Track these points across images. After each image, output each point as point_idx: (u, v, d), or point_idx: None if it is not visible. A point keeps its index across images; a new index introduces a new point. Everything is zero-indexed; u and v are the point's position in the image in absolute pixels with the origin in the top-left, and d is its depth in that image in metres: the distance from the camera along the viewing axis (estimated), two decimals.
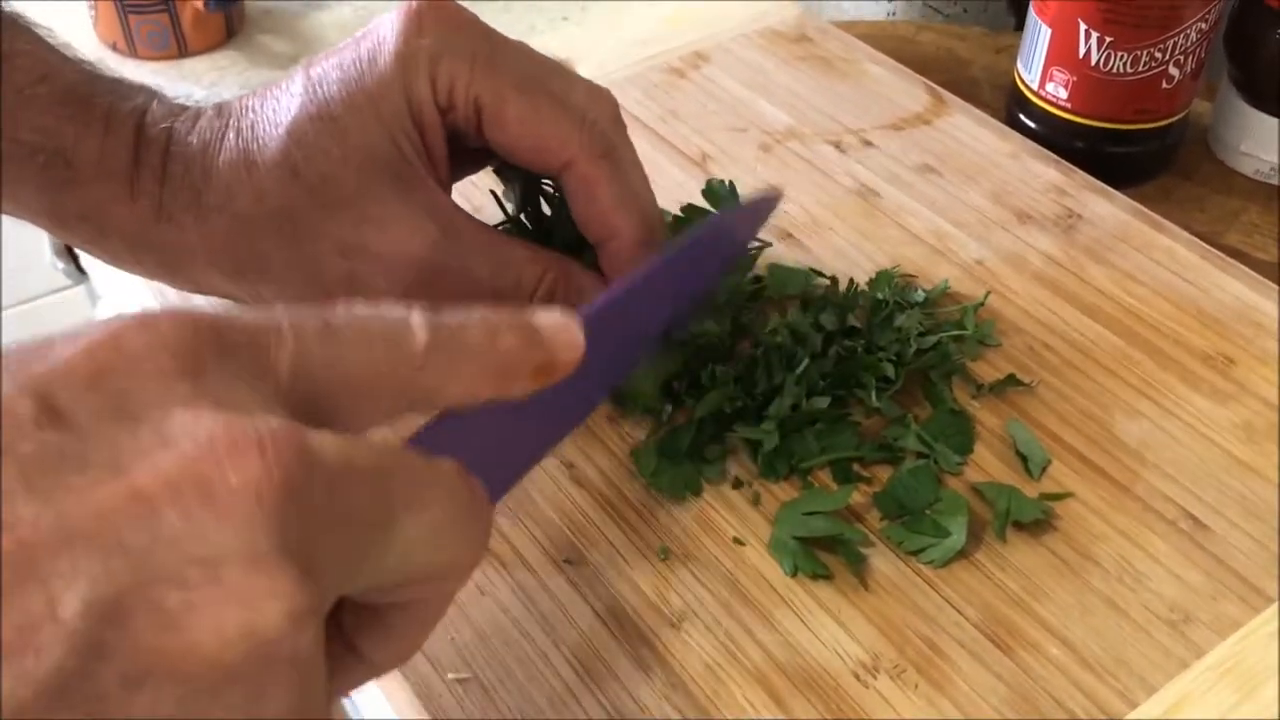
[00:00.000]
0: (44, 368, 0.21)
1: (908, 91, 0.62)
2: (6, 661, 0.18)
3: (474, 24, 0.40)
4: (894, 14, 0.84)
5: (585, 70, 0.63)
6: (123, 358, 0.21)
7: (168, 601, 0.19)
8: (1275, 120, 0.60)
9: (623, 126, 0.42)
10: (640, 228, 0.41)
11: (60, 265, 0.90)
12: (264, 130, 0.39)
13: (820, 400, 0.42)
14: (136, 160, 0.39)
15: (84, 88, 0.39)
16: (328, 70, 0.39)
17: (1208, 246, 0.52)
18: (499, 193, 0.48)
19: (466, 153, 0.42)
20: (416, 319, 0.26)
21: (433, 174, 0.40)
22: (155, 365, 0.21)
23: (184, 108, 0.41)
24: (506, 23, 0.85)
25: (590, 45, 0.65)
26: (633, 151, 0.42)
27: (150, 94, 0.41)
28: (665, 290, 0.39)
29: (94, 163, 0.39)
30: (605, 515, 0.40)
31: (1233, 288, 0.50)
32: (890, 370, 0.44)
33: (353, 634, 0.26)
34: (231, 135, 0.39)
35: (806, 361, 0.43)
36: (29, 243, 0.87)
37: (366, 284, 0.39)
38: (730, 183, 0.49)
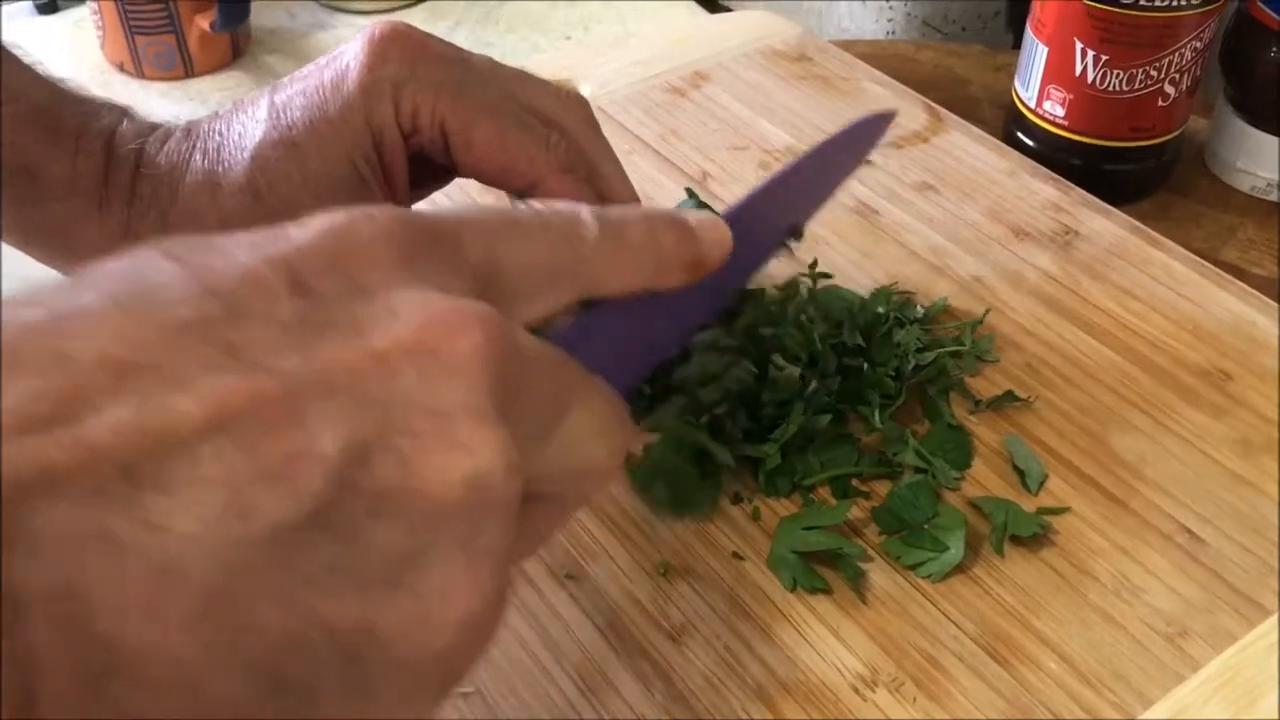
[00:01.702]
0: (287, 247, 0.23)
1: (906, 110, 0.62)
2: (276, 485, 0.20)
3: (437, 49, 0.41)
4: (893, 33, 0.84)
5: (587, 90, 0.64)
6: (353, 243, 0.24)
7: (405, 447, 0.21)
8: (1271, 137, 0.60)
9: (595, 129, 0.43)
10: None
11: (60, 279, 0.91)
12: (229, 154, 0.40)
13: (822, 418, 0.43)
14: (106, 180, 0.40)
15: (54, 107, 0.40)
16: (292, 96, 0.40)
17: (1204, 262, 0.53)
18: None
19: (430, 171, 0.43)
20: (586, 214, 0.29)
21: (389, 196, 0.41)
22: (381, 251, 0.24)
23: (153, 127, 0.41)
24: (511, 42, 0.86)
25: (593, 65, 0.66)
26: (607, 149, 0.44)
27: (119, 113, 0.42)
28: (784, 202, 0.42)
29: (64, 182, 0.40)
30: (606, 530, 0.41)
31: (1229, 303, 0.50)
32: (892, 386, 0.44)
33: None
34: (198, 157, 0.40)
35: (815, 383, 0.43)
36: None
37: None
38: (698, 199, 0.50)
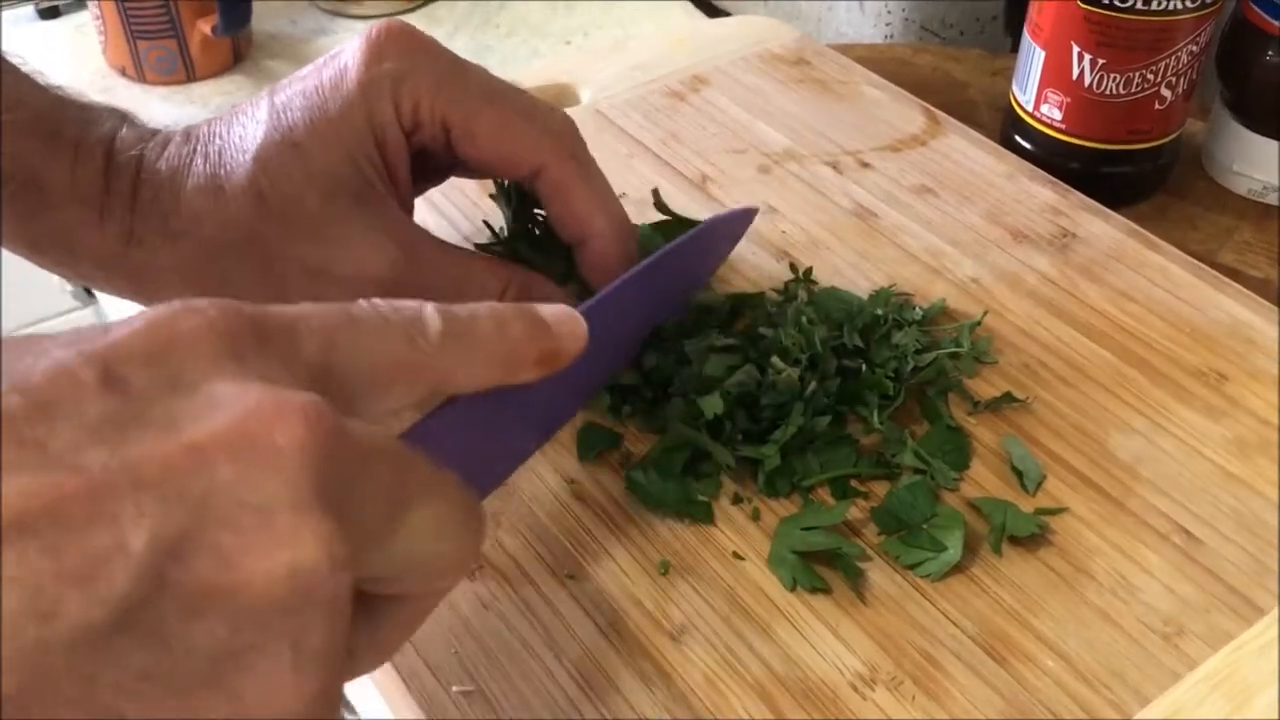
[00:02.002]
0: (103, 343, 0.23)
1: (904, 113, 0.63)
2: (81, 587, 0.19)
3: (434, 46, 0.41)
4: (891, 37, 0.85)
5: (587, 94, 0.64)
6: (175, 337, 0.23)
7: (223, 541, 0.21)
8: (1268, 140, 0.61)
9: (584, 143, 0.44)
10: (615, 226, 0.43)
11: (69, 288, 0.91)
12: (230, 156, 0.40)
13: (822, 420, 0.43)
14: (107, 187, 0.40)
15: (53, 115, 0.40)
16: (292, 97, 0.40)
17: (1201, 265, 0.53)
18: (489, 224, 0.50)
19: (427, 168, 0.44)
20: (430, 310, 0.28)
21: (394, 194, 0.41)
22: (204, 345, 0.23)
23: (153, 132, 0.42)
24: (511, 47, 0.87)
25: (592, 69, 0.66)
26: (596, 166, 0.44)
27: (118, 119, 0.42)
28: (652, 293, 0.42)
29: (65, 189, 0.40)
30: (607, 530, 0.41)
31: (1226, 305, 0.51)
32: (890, 387, 0.44)
33: None
34: (199, 161, 0.40)
35: (814, 385, 0.43)
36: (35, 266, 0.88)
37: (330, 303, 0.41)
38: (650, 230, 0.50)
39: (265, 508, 0.21)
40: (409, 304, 0.28)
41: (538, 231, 0.48)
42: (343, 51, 0.41)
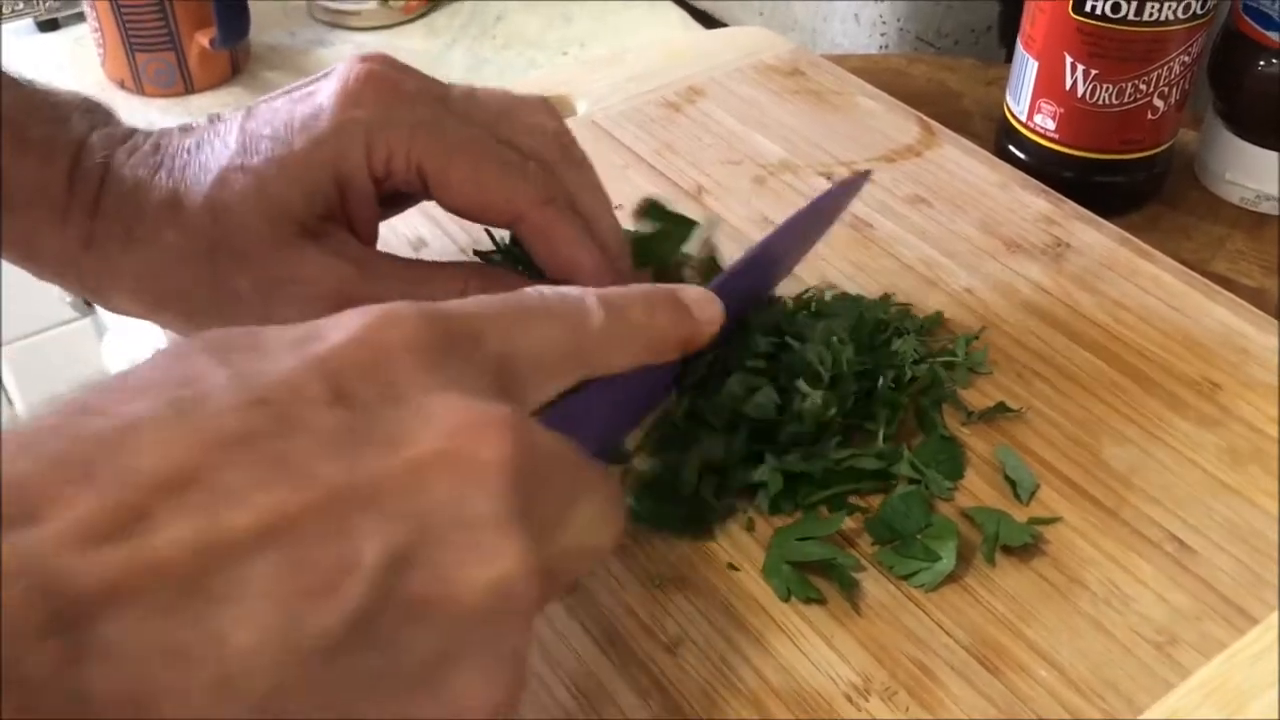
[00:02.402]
0: (325, 350, 0.25)
1: (899, 124, 0.63)
2: (321, 599, 0.21)
3: (412, 90, 0.41)
4: (886, 47, 0.85)
5: (583, 105, 0.65)
6: (386, 348, 0.25)
7: (439, 557, 0.23)
8: (1260, 149, 0.61)
9: (575, 162, 0.44)
10: (598, 259, 0.43)
11: (68, 298, 0.91)
12: (193, 174, 0.41)
13: (832, 441, 0.43)
14: (71, 190, 0.40)
15: (23, 114, 0.41)
16: (260, 126, 0.41)
17: (1194, 274, 0.53)
18: (493, 234, 0.50)
19: (403, 197, 0.44)
20: (592, 300, 0.30)
21: (352, 231, 0.42)
22: (411, 357, 0.25)
23: (124, 136, 0.42)
24: (508, 59, 0.87)
25: (587, 81, 0.66)
26: (588, 179, 0.44)
27: (89, 120, 0.42)
28: (769, 266, 0.44)
29: (29, 190, 0.40)
30: None
31: (1218, 314, 0.51)
32: (903, 403, 0.44)
33: None
34: (163, 175, 0.41)
35: (835, 409, 0.42)
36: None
37: (285, 320, 0.41)
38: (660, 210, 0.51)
39: (474, 523, 0.23)
40: (573, 291, 0.30)
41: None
42: (319, 90, 0.41)
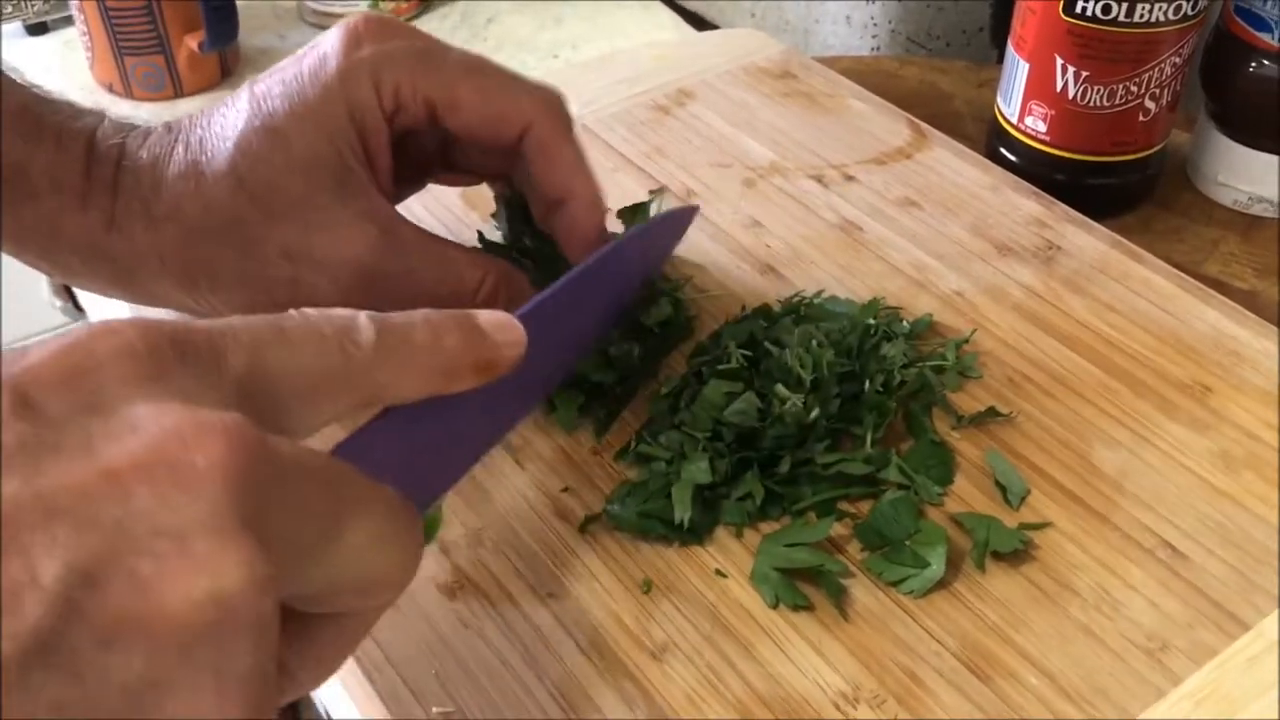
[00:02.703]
0: (18, 368, 0.22)
1: (889, 126, 0.63)
2: None
3: (411, 31, 0.42)
4: (878, 49, 0.85)
5: (575, 108, 0.64)
6: (92, 359, 0.23)
7: (139, 568, 0.20)
8: (1252, 151, 0.61)
9: (569, 112, 0.45)
10: (593, 191, 0.44)
11: (58, 304, 0.91)
12: (211, 144, 0.41)
13: (819, 446, 0.42)
14: (88, 174, 0.40)
15: (35, 107, 0.41)
16: (271, 86, 0.41)
17: (1185, 276, 0.53)
18: (484, 232, 0.50)
19: (411, 169, 0.44)
20: (363, 319, 0.28)
21: (375, 180, 0.42)
22: (122, 366, 0.23)
23: (134, 126, 0.42)
24: (499, 60, 0.87)
25: (578, 83, 0.66)
26: (579, 139, 0.45)
27: (99, 114, 0.43)
28: (595, 295, 0.42)
29: (47, 178, 0.40)
30: (588, 548, 0.41)
31: (1210, 317, 0.51)
32: (890, 408, 0.44)
33: (280, 646, 0.26)
34: (180, 149, 0.41)
35: (817, 412, 0.42)
36: (27, 281, 0.88)
37: (311, 287, 0.41)
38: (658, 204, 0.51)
39: (183, 532, 0.21)
40: (341, 312, 0.28)
41: (530, 242, 0.48)
42: (322, 41, 0.42)
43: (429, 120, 0.42)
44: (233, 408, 0.24)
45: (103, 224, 0.41)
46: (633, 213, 0.51)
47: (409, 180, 0.46)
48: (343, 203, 0.41)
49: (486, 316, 0.31)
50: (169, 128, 0.42)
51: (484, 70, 0.43)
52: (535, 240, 0.48)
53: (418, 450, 0.31)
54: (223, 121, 0.41)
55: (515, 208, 0.48)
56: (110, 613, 0.20)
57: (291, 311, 0.27)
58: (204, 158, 0.40)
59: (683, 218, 0.50)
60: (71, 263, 0.42)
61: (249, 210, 0.40)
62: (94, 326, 0.23)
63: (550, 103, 0.43)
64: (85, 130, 0.41)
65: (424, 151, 0.45)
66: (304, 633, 0.27)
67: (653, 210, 0.52)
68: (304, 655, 0.27)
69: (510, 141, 0.43)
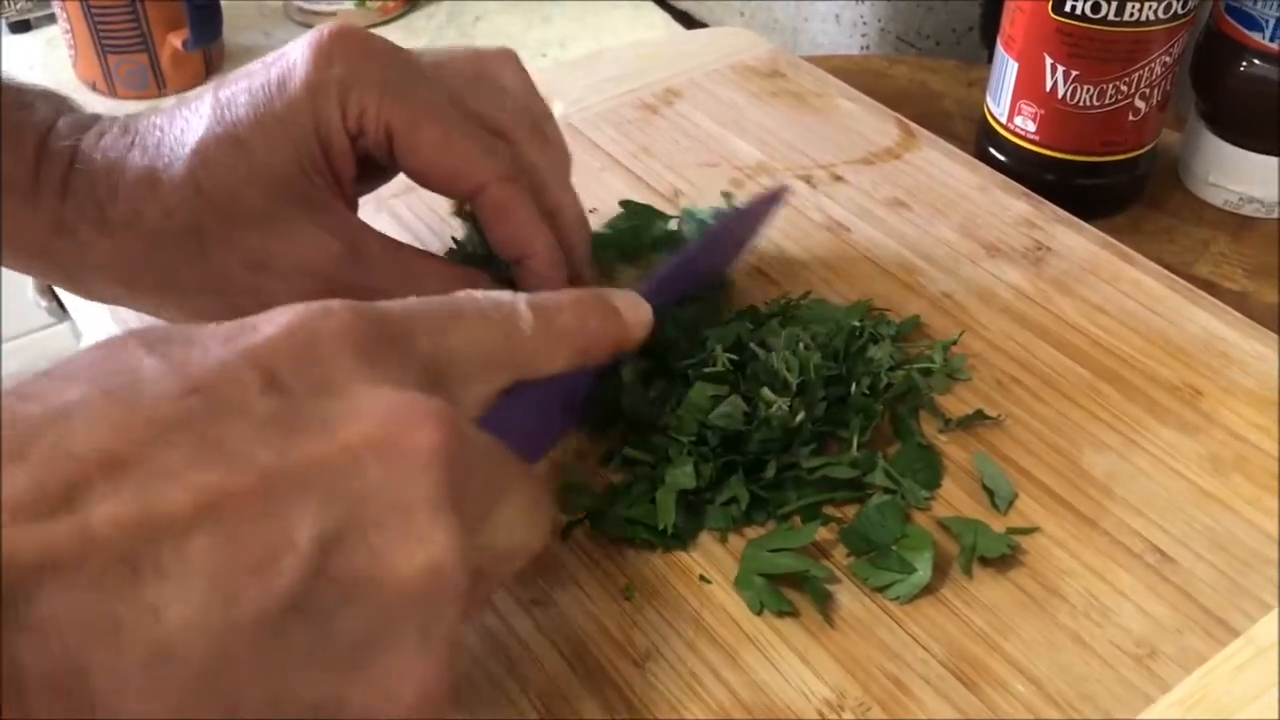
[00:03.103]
0: (258, 341, 0.25)
1: (878, 126, 0.62)
2: (258, 575, 0.22)
3: (384, 52, 0.41)
4: (867, 48, 0.84)
5: (560, 107, 0.64)
6: (318, 339, 0.26)
7: (374, 538, 0.23)
8: (1243, 151, 0.60)
9: (542, 138, 0.44)
10: (552, 247, 0.43)
11: (43, 303, 0.90)
12: (170, 149, 0.40)
13: (805, 449, 0.42)
14: (37, 175, 0.39)
15: None
16: (236, 94, 0.40)
17: (1175, 277, 0.53)
18: (457, 240, 0.49)
19: (374, 167, 0.44)
20: (523, 305, 0.31)
21: (339, 194, 0.41)
22: (342, 349, 0.26)
23: (90, 121, 0.41)
24: None
25: (565, 82, 0.65)
26: (555, 158, 0.44)
27: (55, 108, 0.42)
28: (692, 274, 0.45)
29: None
30: (571, 554, 0.40)
31: (1200, 319, 0.50)
32: (876, 411, 0.43)
33: None
34: (137, 153, 0.40)
35: (803, 415, 0.42)
36: (12, 282, 0.87)
37: (272, 295, 0.40)
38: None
39: (407, 507, 0.24)
40: (504, 296, 0.31)
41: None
42: (290, 51, 0.41)
43: (388, 151, 0.41)
44: (424, 387, 0.26)
45: (50, 227, 0.40)
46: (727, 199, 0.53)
47: (376, 177, 0.46)
48: (305, 215, 0.40)
49: (621, 297, 0.35)
50: (125, 128, 0.41)
51: (448, 118, 0.41)
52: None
53: (529, 423, 0.33)
54: (184, 125, 0.40)
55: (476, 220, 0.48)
56: (350, 574, 0.23)
57: (461, 294, 0.30)
58: (161, 164, 0.39)
59: (771, 204, 0.51)
60: (20, 262, 0.41)
61: (209, 218, 0.39)
62: (314, 308, 0.26)
63: (509, 161, 0.42)
64: (38, 128, 0.40)
65: (388, 162, 0.43)
66: None
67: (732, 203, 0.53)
68: None
69: (460, 195, 0.43)
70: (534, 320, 0.31)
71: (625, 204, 0.54)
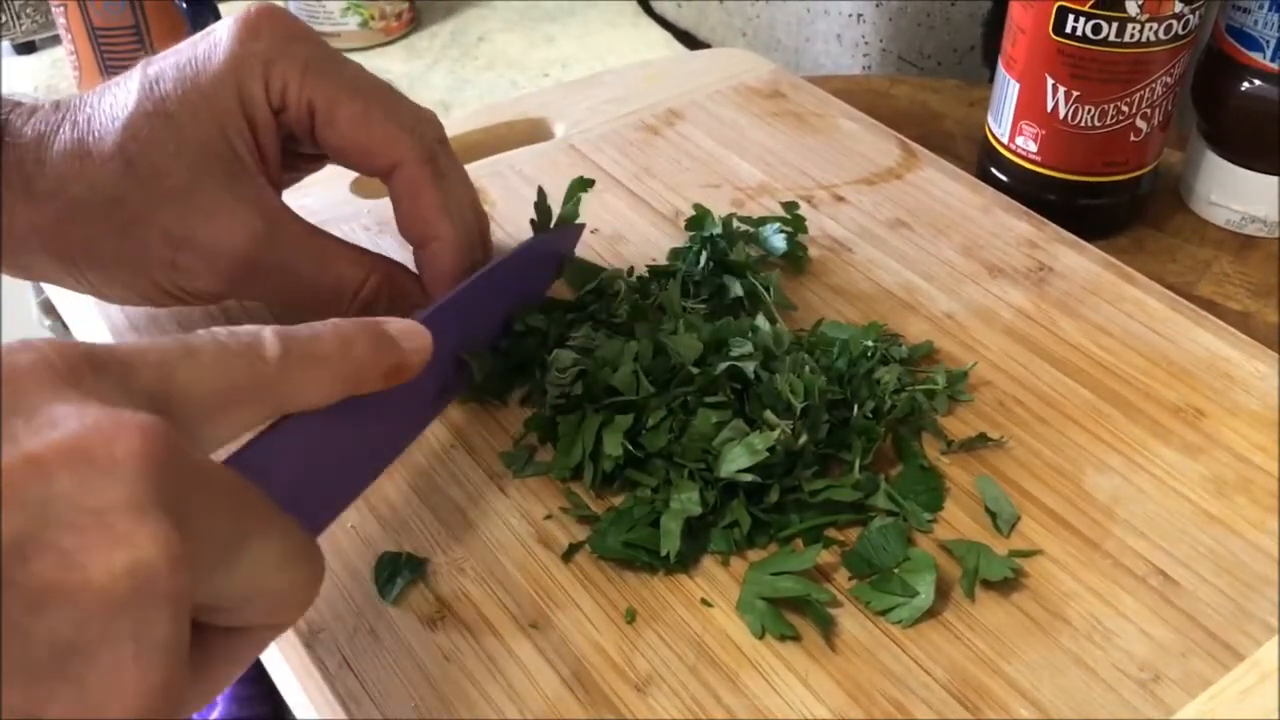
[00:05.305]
0: None
1: (880, 146, 0.62)
2: None
3: (307, 33, 0.43)
4: (869, 68, 0.84)
5: (561, 128, 0.64)
6: (12, 370, 0.24)
7: (63, 542, 0.22)
8: (1245, 171, 0.60)
9: (448, 145, 0.45)
10: (459, 234, 0.44)
11: (46, 322, 0.90)
12: (100, 124, 0.41)
13: (807, 473, 0.42)
14: None
15: None
16: (164, 69, 0.41)
17: (1177, 297, 0.52)
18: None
19: (301, 156, 0.45)
20: (268, 334, 0.29)
21: (263, 171, 0.42)
22: (42, 374, 0.24)
23: (18, 102, 0.42)
24: (490, 79, 0.86)
25: (566, 103, 0.66)
26: (459, 168, 0.46)
27: None
28: (490, 301, 0.44)
29: None
30: (572, 577, 0.40)
31: (1203, 339, 0.50)
32: (879, 433, 0.43)
33: None
34: (67, 128, 0.41)
35: (805, 438, 0.41)
36: (15, 301, 0.88)
37: (189, 272, 0.41)
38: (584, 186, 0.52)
39: (103, 511, 0.22)
40: (248, 329, 0.29)
41: None
42: (218, 27, 0.42)
43: (309, 128, 0.42)
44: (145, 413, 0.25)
45: None
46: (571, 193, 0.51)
47: (299, 165, 0.47)
48: (229, 190, 0.41)
49: (396, 324, 0.33)
50: (56, 106, 0.42)
51: (369, 94, 0.43)
52: None
53: (312, 465, 0.32)
54: (113, 101, 0.41)
55: None
56: (38, 581, 0.22)
57: (200, 331, 0.29)
58: (91, 137, 0.40)
59: (570, 237, 0.51)
60: None
61: (133, 191, 0.40)
62: (11, 344, 0.24)
63: (425, 144, 0.43)
64: None
65: (308, 142, 0.45)
66: (199, 646, 0.27)
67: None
68: (196, 669, 0.27)
69: (376, 172, 0.44)
70: (281, 350, 0.29)
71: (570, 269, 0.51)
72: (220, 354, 0.28)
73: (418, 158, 0.43)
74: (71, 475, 0.23)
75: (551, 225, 0.50)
